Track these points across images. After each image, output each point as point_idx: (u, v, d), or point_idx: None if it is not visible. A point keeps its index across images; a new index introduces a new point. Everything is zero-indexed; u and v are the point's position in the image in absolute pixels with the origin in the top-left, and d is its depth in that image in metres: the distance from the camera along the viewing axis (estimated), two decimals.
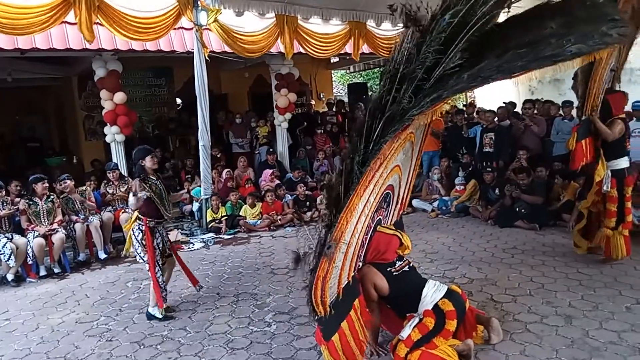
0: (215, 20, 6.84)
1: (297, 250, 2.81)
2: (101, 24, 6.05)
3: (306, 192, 8.25)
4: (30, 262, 5.79)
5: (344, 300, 3.10)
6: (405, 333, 3.32)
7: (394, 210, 3.92)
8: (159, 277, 4.39)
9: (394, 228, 3.77)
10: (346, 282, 3.17)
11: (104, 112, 7.51)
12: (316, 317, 2.89)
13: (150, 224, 4.35)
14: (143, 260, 4.42)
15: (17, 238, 5.81)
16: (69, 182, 6.33)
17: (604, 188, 4.86)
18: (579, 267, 4.99)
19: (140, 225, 4.36)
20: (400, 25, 2.97)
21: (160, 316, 4.44)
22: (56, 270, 6.01)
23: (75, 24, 6.06)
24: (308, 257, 2.76)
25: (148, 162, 4.38)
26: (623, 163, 4.87)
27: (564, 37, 2.73)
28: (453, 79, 2.67)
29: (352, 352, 3.10)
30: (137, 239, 4.37)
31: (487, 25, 2.76)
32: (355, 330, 3.17)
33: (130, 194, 4.31)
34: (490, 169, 7.47)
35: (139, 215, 4.37)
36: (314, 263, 2.75)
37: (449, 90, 2.68)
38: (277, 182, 8.66)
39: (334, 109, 12.13)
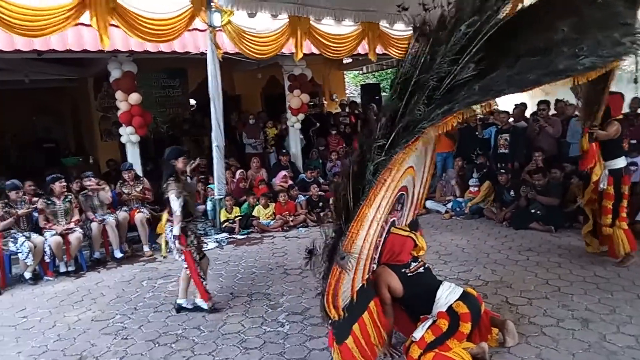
0: (229, 22, 6.88)
1: (311, 246, 2.77)
2: (116, 26, 6.11)
3: (319, 192, 8.25)
4: (47, 261, 5.87)
5: (358, 302, 3.09)
6: (418, 334, 3.30)
7: (409, 210, 3.90)
8: (200, 273, 4.48)
9: (408, 229, 3.76)
10: (360, 285, 3.16)
11: (119, 112, 7.58)
12: (330, 321, 2.89)
13: (182, 224, 4.38)
14: (182, 260, 4.48)
15: (35, 237, 5.89)
16: (93, 180, 6.55)
17: (601, 186, 4.98)
18: (596, 270, 4.92)
19: (172, 226, 4.41)
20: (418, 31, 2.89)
21: (206, 307, 4.54)
22: (73, 269, 6.08)
23: (90, 25, 6.14)
24: (319, 261, 2.73)
25: (180, 164, 4.42)
26: (620, 162, 4.99)
27: (576, 44, 2.64)
28: (464, 90, 2.62)
29: (367, 353, 3.09)
30: (172, 240, 4.42)
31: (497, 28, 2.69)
32: (367, 333, 3.16)
33: (173, 198, 4.28)
34: (504, 171, 7.41)
35: (169, 218, 4.43)
36: (326, 269, 2.73)
37: (461, 102, 2.63)
38: (290, 182, 8.68)
39: (346, 110, 12.10)
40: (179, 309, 4.61)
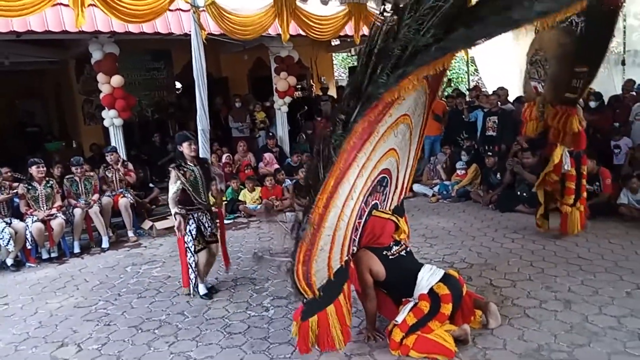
0: (212, 2, 6.72)
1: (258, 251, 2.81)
2: (96, 6, 5.94)
3: None
4: (29, 247, 5.79)
5: (334, 284, 3.09)
6: (400, 317, 3.31)
7: (393, 195, 3.87)
8: (191, 263, 4.43)
9: (389, 213, 3.73)
10: (339, 267, 3.15)
11: (101, 95, 7.43)
12: (304, 300, 2.91)
13: (181, 211, 4.31)
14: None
15: (16, 223, 5.81)
16: (83, 167, 6.52)
17: (565, 167, 5.20)
18: (579, 252, 4.96)
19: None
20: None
21: (202, 292, 4.54)
22: (55, 255, 6.01)
23: (69, 6, 5.96)
24: (286, 241, 2.73)
25: (185, 149, 4.36)
26: None
27: None
28: (422, 54, 2.57)
29: (331, 336, 3.12)
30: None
31: None
32: (342, 315, 3.17)
33: (172, 181, 4.28)
34: (491, 153, 7.40)
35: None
36: (293, 246, 2.74)
37: (414, 64, 2.57)
38: (277, 166, 8.61)
39: (327, 94, 12.06)
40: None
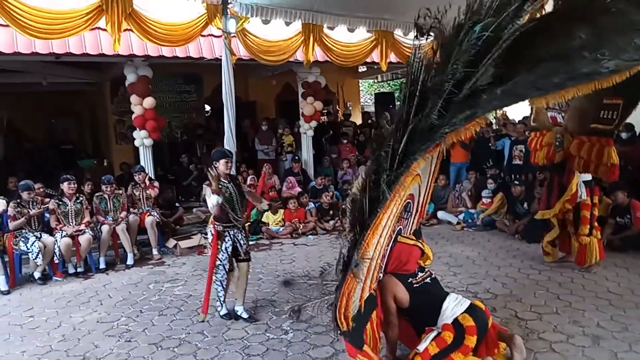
0: (243, 28, 6.92)
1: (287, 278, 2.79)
2: (132, 31, 6.19)
3: (330, 200, 8.22)
4: (57, 261, 5.92)
5: (365, 312, 3.05)
6: (422, 346, 3.23)
7: (414, 219, 3.85)
8: (221, 280, 4.41)
9: (414, 238, 3.71)
10: (368, 294, 3.12)
11: (133, 116, 7.66)
12: (340, 332, 2.86)
13: (219, 228, 4.36)
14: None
15: (46, 237, 5.95)
16: (113, 186, 6.71)
17: (582, 197, 5.25)
18: (609, 286, 4.80)
19: (211, 229, 4.46)
20: (428, 36, 2.83)
21: (221, 313, 4.49)
22: (82, 270, 6.12)
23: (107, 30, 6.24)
24: (331, 273, 2.70)
25: (222, 166, 4.37)
26: (589, 175, 5.24)
27: (596, 50, 2.57)
28: (486, 95, 2.55)
29: None
30: (208, 242, 4.52)
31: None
32: (374, 341, 3.12)
33: (208, 199, 4.29)
34: (518, 182, 7.29)
35: (212, 219, 4.47)
36: (340, 280, 2.70)
37: (483, 107, 2.56)
38: (300, 189, 8.66)
39: (350, 120, 12.29)
40: (236, 316, 4.51)
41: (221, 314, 4.52)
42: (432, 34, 2.73)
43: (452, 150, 8.11)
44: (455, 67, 2.56)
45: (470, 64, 2.54)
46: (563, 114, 5.16)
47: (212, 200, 4.23)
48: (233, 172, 7.01)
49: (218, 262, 4.40)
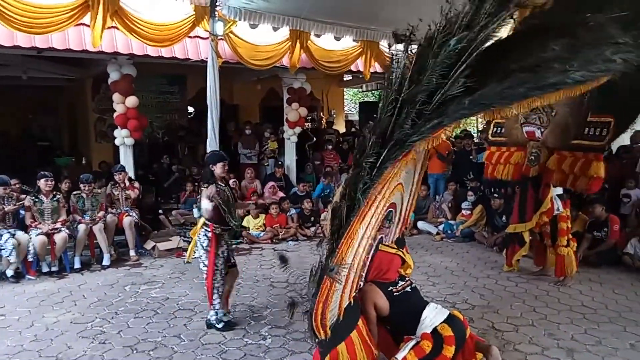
0: (231, 31, 6.91)
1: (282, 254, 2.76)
2: (117, 28, 6.11)
3: (312, 207, 8.21)
4: (30, 260, 5.77)
5: (345, 321, 3.03)
6: (400, 355, 3.23)
7: (396, 227, 3.87)
8: (218, 287, 4.28)
9: (396, 247, 3.72)
10: (347, 303, 3.11)
11: (115, 114, 7.55)
12: (317, 340, 2.83)
13: (217, 230, 4.23)
14: (206, 266, 4.27)
15: (20, 234, 5.80)
16: (92, 185, 6.59)
17: (559, 209, 5.41)
18: (583, 300, 4.90)
19: (206, 232, 4.24)
20: (415, 46, 2.88)
21: (219, 325, 4.32)
22: (56, 269, 5.98)
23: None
24: (309, 282, 2.68)
25: (218, 169, 4.27)
26: (560, 189, 5.44)
27: (567, 61, 2.65)
28: (454, 104, 2.60)
29: None
30: (202, 246, 4.26)
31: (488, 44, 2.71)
32: (353, 352, 3.08)
33: (204, 199, 4.16)
34: (497, 195, 7.40)
35: (206, 222, 4.25)
36: (315, 288, 2.68)
37: (450, 117, 2.60)
38: (282, 195, 8.64)
39: (332, 127, 12.41)
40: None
41: (219, 326, 4.32)
42: (411, 45, 2.79)
43: (429, 162, 8.22)
44: (429, 79, 2.62)
45: (443, 75, 2.62)
46: (542, 129, 5.27)
47: (209, 205, 4.13)
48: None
49: (215, 268, 4.25)
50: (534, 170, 5.37)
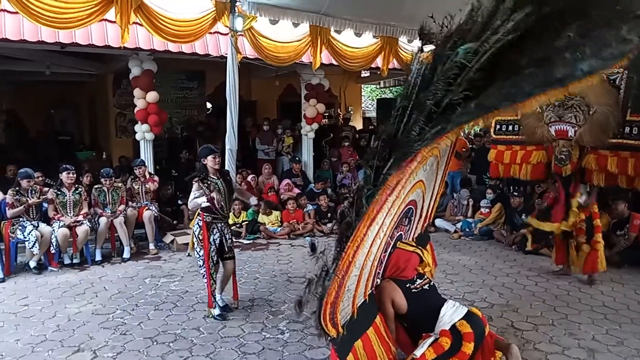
0: (251, 27, 6.93)
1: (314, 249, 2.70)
2: (140, 24, 6.18)
3: (329, 203, 8.22)
4: (53, 251, 5.89)
5: (360, 318, 3.02)
6: (419, 352, 3.23)
7: (417, 223, 3.85)
8: (212, 274, 4.42)
9: (414, 244, 3.71)
10: (362, 301, 3.10)
11: (136, 110, 7.63)
12: (329, 338, 2.78)
13: (207, 219, 4.39)
14: (199, 255, 4.45)
15: (43, 226, 5.92)
16: (113, 179, 6.71)
17: (585, 202, 5.31)
18: (604, 301, 4.83)
19: (198, 221, 4.44)
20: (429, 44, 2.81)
21: (214, 314, 4.46)
22: (78, 261, 6.09)
23: (114, 22, 6.21)
24: (315, 283, 2.66)
25: (209, 162, 4.43)
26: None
27: (579, 48, 2.44)
28: (461, 108, 2.52)
29: None
30: (195, 235, 4.45)
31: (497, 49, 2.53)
32: (371, 350, 3.06)
33: (191, 196, 4.38)
34: (517, 194, 7.32)
35: (198, 212, 4.46)
36: (322, 290, 2.64)
37: (454, 122, 2.53)
38: (298, 191, 8.66)
39: (349, 124, 12.42)
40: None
41: (215, 314, 4.46)
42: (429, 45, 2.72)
43: (452, 156, 8.16)
44: (436, 86, 2.56)
45: (450, 82, 2.54)
46: (577, 128, 5.09)
47: (199, 200, 4.31)
48: (233, 170, 7.08)
49: (210, 255, 4.40)
50: (567, 169, 5.26)
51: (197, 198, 4.34)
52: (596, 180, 5.18)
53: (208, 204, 4.33)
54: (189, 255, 5.83)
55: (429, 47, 2.80)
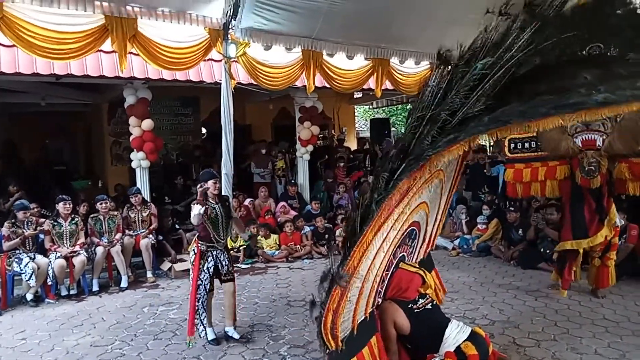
0: (244, 53, 7.01)
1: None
2: (135, 54, 6.25)
3: (325, 224, 8.22)
4: (50, 283, 5.85)
5: (359, 336, 3.03)
6: None
7: (420, 247, 3.86)
8: (202, 302, 4.39)
9: (417, 266, 3.71)
10: (363, 318, 3.10)
11: (131, 138, 7.67)
12: (327, 351, 2.81)
13: (202, 247, 4.41)
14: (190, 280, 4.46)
15: (39, 258, 5.89)
16: (107, 203, 6.65)
17: (618, 222, 5.28)
18: (605, 313, 4.83)
19: (194, 248, 4.48)
20: (424, 63, 2.96)
21: (209, 339, 4.44)
22: (75, 292, 6.04)
23: (109, 52, 6.29)
24: (320, 290, 2.69)
25: (210, 186, 4.45)
26: None
27: (594, 88, 2.60)
28: (474, 122, 2.64)
29: None
30: (190, 261, 4.51)
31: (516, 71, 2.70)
32: None
33: (193, 213, 4.36)
34: (513, 209, 7.35)
35: (195, 238, 4.51)
36: (325, 295, 2.69)
37: (467, 132, 2.63)
38: (295, 213, 8.66)
39: (343, 145, 12.48)
40: (227, 337, 4.54)
41: (209, 339, 4.45)
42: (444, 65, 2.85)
43: (459, 177, 8.18)
44: (453, 98, 2.68)
45: (467, 95, 2.66)
46: (604, 137, 4.93)
47: (195, 209, 4.31)
48: (229, 194, 7.08)
49: (199, 282, 4.38)
50: (596, 181, 5.02)
51: (195, 211, 4.31)
52: (632, 190, 5.05)
53: (203, 210, 4.29)
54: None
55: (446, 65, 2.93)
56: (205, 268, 4.41)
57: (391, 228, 2.90)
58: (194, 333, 4.38)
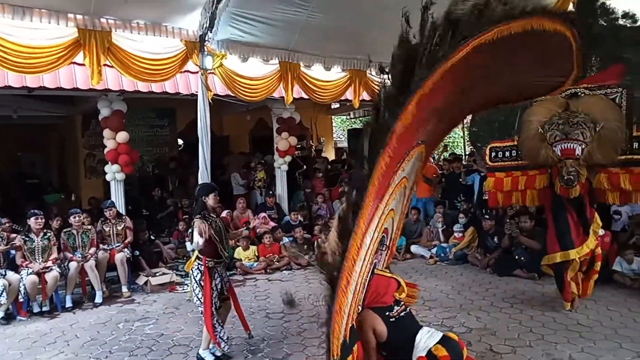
0: (221, 65, 7.03)
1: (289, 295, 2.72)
2: (110, 66, 6.20)
3: (304, 235, 8.22)
4: (21, 300, 5.69)
5: (349, 344, 3.03)
6: None
7: (385, 255, 3.90)
8: (214, 321, 4.24)
9: (390, 271, 3.74)
10: (351, 325, 3.11)
11: (106, 150, 7.56)
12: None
13: (209, 264, 4.24)
14: (200, 300, 4.26)
15: (10, 274, 5.73)
16: (81, 217, 6.52)
17: (601, 232, 5.38)
18: (578, 319, 4.93)
19: (199, 265, 4.26)
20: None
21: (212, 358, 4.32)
22: (47, 309, 5.89)
23: (82, 64, 6.21)
24: (323, 293, 2.68)
25: (210, 200, 4.32)
26: None
27: None
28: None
29: None
30: (195, 279, 4.27)
31: None
32: None
33: (196, 234, 4.16)
34: (488, 217, 7.47)
35: (198, 255, 4.28)
36: (330, 298, 2.67)
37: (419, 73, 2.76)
38: (274, 224, 8.64)
39: (321, 155, 12.61)
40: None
41: (217, 354, 4.35)
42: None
43: (416, 186, 8.27)
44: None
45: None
46: (584, 146, 4.91)
47: (197, 230, 4.14)
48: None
49: (211, 302, 4.23)
50: (575, 190, 4.95)
51: (197, 237, 4.16)
52: (611, 200, 5.12)
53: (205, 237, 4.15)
54: (188, 300, 5.64)
55: None
56: (213, 285, 4.26)
57: (372, 237, 2.92)
58: (222, 345, 4.30)
